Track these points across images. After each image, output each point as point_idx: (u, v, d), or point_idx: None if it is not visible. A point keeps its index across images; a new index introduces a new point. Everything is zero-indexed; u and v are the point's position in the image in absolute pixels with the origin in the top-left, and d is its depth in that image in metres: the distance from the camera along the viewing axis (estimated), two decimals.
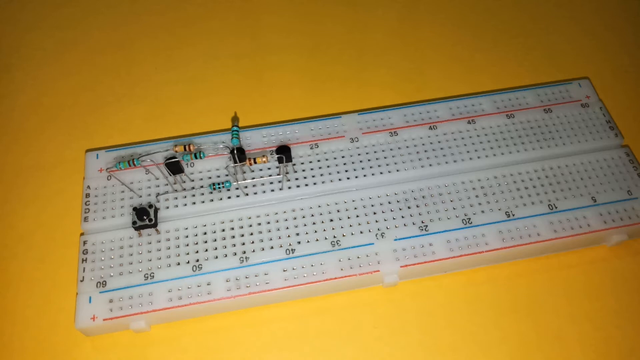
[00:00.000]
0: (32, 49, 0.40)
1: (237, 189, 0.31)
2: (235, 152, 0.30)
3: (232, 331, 0.29)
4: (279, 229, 0.30)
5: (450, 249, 0.30)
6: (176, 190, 0.31)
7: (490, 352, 0.29)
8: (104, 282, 0.29)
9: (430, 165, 0.32)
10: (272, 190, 0.31)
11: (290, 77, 0.39)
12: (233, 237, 0.30)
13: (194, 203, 0.31)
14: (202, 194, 0.31)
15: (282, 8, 0.42)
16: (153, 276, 0.29)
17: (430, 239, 0.30)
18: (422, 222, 0.30)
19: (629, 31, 0.41)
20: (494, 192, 0.31)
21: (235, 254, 0.29)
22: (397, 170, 0.32)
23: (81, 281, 0.29)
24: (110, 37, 0.41)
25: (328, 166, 0.32)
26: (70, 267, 0.30)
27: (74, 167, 0.34)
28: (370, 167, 0.32)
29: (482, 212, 0.31)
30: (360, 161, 0.32)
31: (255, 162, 0.30)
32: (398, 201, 0.31)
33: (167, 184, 0.31)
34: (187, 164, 0.32)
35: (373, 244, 0.30)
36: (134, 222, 0.30)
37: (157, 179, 0.32)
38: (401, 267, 0.29)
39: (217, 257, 0.29)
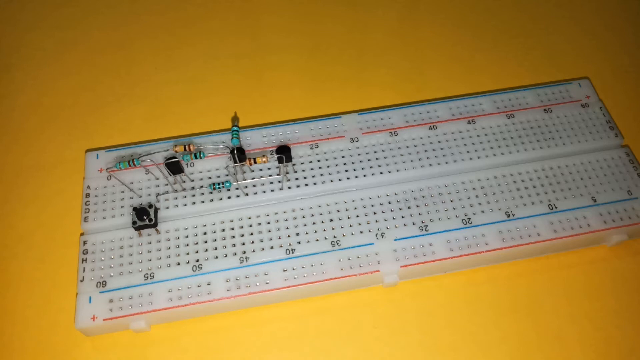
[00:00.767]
0: (32, 49, 0.40)
1: (237, 189, 0.31)
2: (235, 152, 0.30)
3: (232, 331, 0.29)
4: (279, 229, 0.30)
5: (450, 249, 0.30)
6: (176, 190, 0.31)
7: (490, 352, 0.29)
8: (104, 282, 0.29)
9: (430, 165, 0.32)
10: (272, 190, 0.31)
11: (290, 77, 0.39)
12: (233, 237, 0.30)
13: (194, 203, 0.31)
14: (202, 194, 0.31)
15: (282, 8, 0.42)
16: (153, 276, 0.29)
17: (430, 239, 0.30)
18: (422, 222, 0.30)
19: (629, 31, 0.41)
20: (494, 192, 0.31)
21: (235, 254, 0.29)
22: (397, 170, 0.32)
23: (81, 281, 0.29)
24: (110, 37, 0.41)
25: (328, 166, 0.32)
26: (70, 267, 0.30)
27: (74, 167, 0.34)
28: (370, 167, 0.32)
29: (482, 212, 0.31)
30: (360, 161, 0.32)
31: (255, 162, 0.30)
32: (398, 201, 0.31)
33: (167, 184, 0.31)
34: (187, 164, 0.32)
35: (373, 244, 0.30)
36: (134, 222, 0.30)
37: (157, 179, 0.32)
38: (401, 267, 0.29)
39: (217, 257, 0.29)
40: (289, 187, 0.32)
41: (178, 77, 0.39)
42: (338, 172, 0.32)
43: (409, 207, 0.31)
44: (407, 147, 0.33)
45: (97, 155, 0.33)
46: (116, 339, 0.29)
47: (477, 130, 0.34)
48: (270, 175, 0.32)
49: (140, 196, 0.31)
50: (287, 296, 0.29)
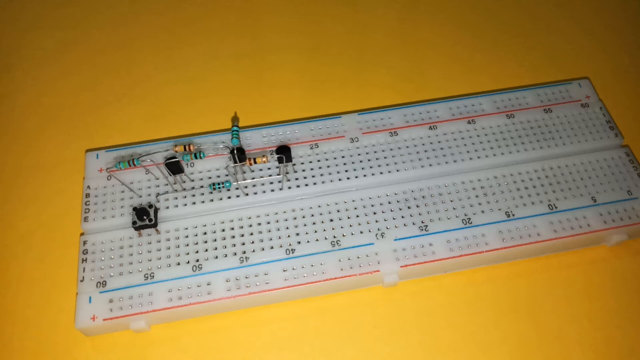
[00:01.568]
0: (32, 49, 0.40)
1: (237, 188, 0.31)
2: (235, 152, 0.30)
3: (232, 331, 0.29)
4: (278, 229, 0.30)
5: (450, 249, 0.30)
6: (176, 190, 0.31)
7: (490, 352, 0.29)
8: (104, 282, 0.29)
9: (430, 165, 0.32)
10: (272, 190, 0.31)
11: (290, 77, 0.39)
12: (233, 237, 0.30)
13: (194, 203, 0.31)
14: (202, 194, 0.31)
15: (282, 8, 0.42)
16: (153, 276, 0.29)
17: (430, 239, 0.30)
18: (422, 222, 0.30)
19: (629, 31, 0.41)
20: (494, 192, 0.31)
21: (235, 254, 0.29)
22: (397, 170, 0.32)
23: (81, 281, 0.29)
24: (110, 37, 0.41)
25: (328, 166, 0.32)
26: (70, 267, 0.30)
27: (74, 167, 0.34)
28: (370, 167, 0.32)
29: (482, 212, 0.31)
30: (360, 161, 0.32)
31: (255, 162, 0.30)
32: (398, 201, 0.31)
33: (167, 184, 0.31)
34: (187, 164, 0.32)
35: (373, 244, 0.30)
36: (134, 222, 0.30)
37: (157, 179, 0.32)
38: (401, 267, 0.29)
39: (217, 257, 0.29)
40: (289, 187, 0.32)
41: (178, 77, 0.39)
42: (338, 172, 0.32)
43: (409, 207, 0.31)
44: (407, 147, 0.33)
45: (97, 155, 0.33)
46: (116, 339, 0.29)
47: (477, 130, 0.34)
48: (270, 175, 0.32)
49: (140, 196, 0.31)
50: (287, 296, 0.29)
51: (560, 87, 0.35)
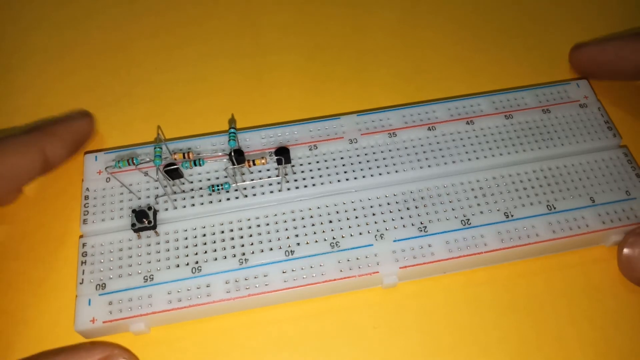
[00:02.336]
0: (32, 49, 0.40)
1: (236, 190, 0.31)
2: (232, 154, 0.30)
3: (232, 332, 0.29)
4: (278, 231, 0.30)
5: (450, 250, 0.30)
6: (175, 192, 0.31)
7: (490, 352, 0.29)
8: (104, 285, 0.29)
9: (429, 166, 0.32)
10: (271, 192, 0.31)
11: (290, 77, 0.39)
12: (232, 238, 0.30)
13: (193, 205, 0.31)
14: (201, 195, 0.31)
15: (282, 8, 0.42)
16: (152, 278, 0.29)
17: (429, 240, 0.30)
18: (421, 223, 0.30)
19: (628, 32, 0.41)
20: (493, 193, 0.31)
21: (235, 256, 0.29)
22: (396, 172, 0.32)
23: (80, 283, 0.29)
24: (110, 37, 0.41)
25: (327, 167, 0.32)
26: (70, 268, 0.30)
27: (74, 168, 0.34)
28: (370, 169, 0.32)
29: (481, 212, 0.31)
30: (359, 162, 0.32)
31: (254, 164, 0.30)
32: (397, 202, 0.31)
33: (166, 186, 0.31)
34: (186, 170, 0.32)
35: (372, 245, 0.30)
36: (133, 225, 0.30)
37: (156, 180, 0.32)
38: (400, 268, 0.29)
39: (216, 259, 0.29)
40: (288, 189, 0.32)
41: (178, 77, 0.39)
42: (337, 174, 0.32)
43: (407, 208, 0.31)
44: (406, 148, 0.33)
45: (96, 157, 0.33)
46: (116, 341, 0.29)
47: (475, 130, 0.34)
48: (269, 177, 0.32)
49: (140, 198, 0.31)
50: (287, 297, 0.29)
51: (558, 87, 0.35)
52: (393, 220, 0.31)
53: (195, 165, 0.30)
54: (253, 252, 0.30)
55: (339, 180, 0.32)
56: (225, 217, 0.31)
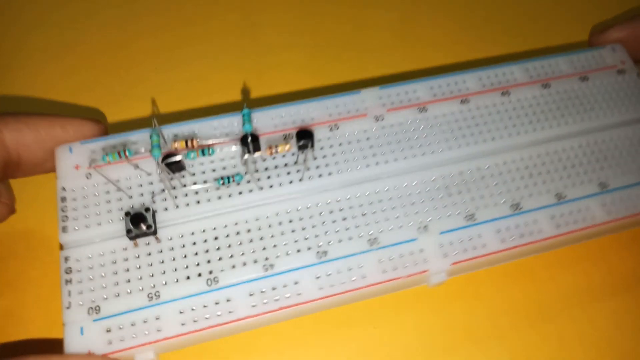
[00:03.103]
0: (32, 49, 0.39)
1: (248, 182, 0.26)
2: (248, 140, 0.25)
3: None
4: (304, 228, 0.26)
5: (502, 240, 0.26)
6: (174, 188, 0.26)
7: (490, 352, 0.28)
8: (97, 308, 0.23)
9: (467, 144, 0.28)
10: (291, 182, 0.27)
11: (290, 77, 0.38)
12: (251, 241, 0.25)
13: (199, 202, 0.26)
14: (207, 190, 0.26)
15: (282, 8, 0.42)
16: (159, 296, 0.24)
17: (478, 229, 0.26)
18: (468, 211, 0.26)
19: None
20: (540, 172, 0.28)
21: (257, 262, 0.25)
22: (432, 152, 0.28)
23: (67, 308, 0.23)
24: (110, 37, 0.40)
25: (352, 150, 0.28)
26: None
27: None
28: (402, 150, 0.28)
29: (530, 195, 0.27)
30: (389, 143, 0.28)
31: (277, 151, 0.25)
32: (438, 188, 0.27)
33: (161, 181, 0.26)
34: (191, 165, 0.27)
35: (416, 239, 0.26)
36: (128, 231, 0.24)
37: (150, 174, 0.26)
38: (452, 264, 0.25)
39: (234, 267, 0.24)
40: (309, 177, 0.27)
41: (178, 77, 0.38)
42: (364, 157, 0.28)
43: (450, 195, 0.27)
44: (440, 125, 0.29)
45: (70, 148, 0.27)
46: None
47: (512, 102, 0.30)
48: (285, 165, 0.27)
49: (131, 197, 0.26)
50: (323, 307, 0.25)
51: (593, 52, 0.32)
52: (435, 209, 0.26)
53: (204, 154, 0.25)
54: (278, 256, 0.25)
55: (367, 165, 0.27)
56: (239, 215, 0.26)
